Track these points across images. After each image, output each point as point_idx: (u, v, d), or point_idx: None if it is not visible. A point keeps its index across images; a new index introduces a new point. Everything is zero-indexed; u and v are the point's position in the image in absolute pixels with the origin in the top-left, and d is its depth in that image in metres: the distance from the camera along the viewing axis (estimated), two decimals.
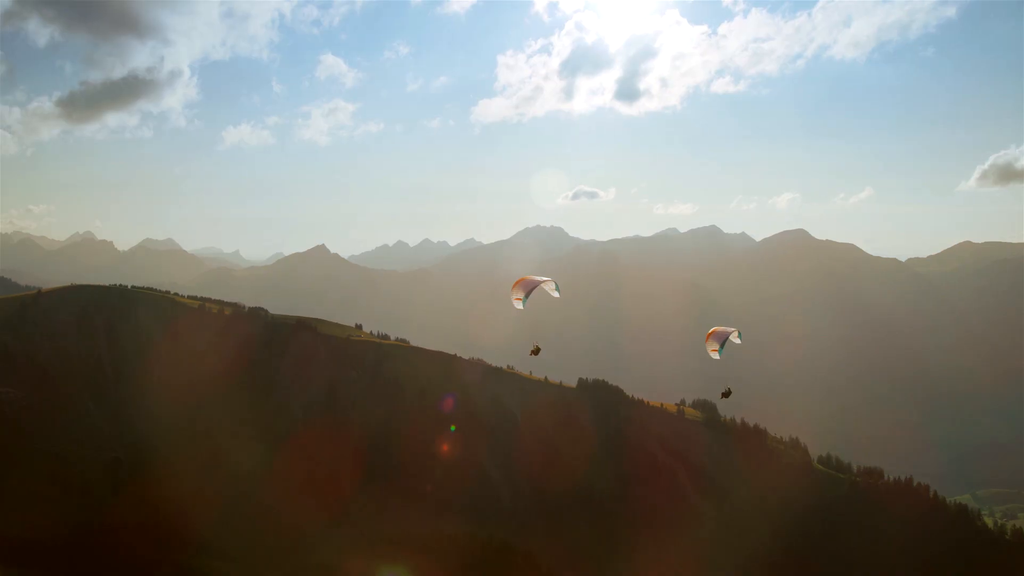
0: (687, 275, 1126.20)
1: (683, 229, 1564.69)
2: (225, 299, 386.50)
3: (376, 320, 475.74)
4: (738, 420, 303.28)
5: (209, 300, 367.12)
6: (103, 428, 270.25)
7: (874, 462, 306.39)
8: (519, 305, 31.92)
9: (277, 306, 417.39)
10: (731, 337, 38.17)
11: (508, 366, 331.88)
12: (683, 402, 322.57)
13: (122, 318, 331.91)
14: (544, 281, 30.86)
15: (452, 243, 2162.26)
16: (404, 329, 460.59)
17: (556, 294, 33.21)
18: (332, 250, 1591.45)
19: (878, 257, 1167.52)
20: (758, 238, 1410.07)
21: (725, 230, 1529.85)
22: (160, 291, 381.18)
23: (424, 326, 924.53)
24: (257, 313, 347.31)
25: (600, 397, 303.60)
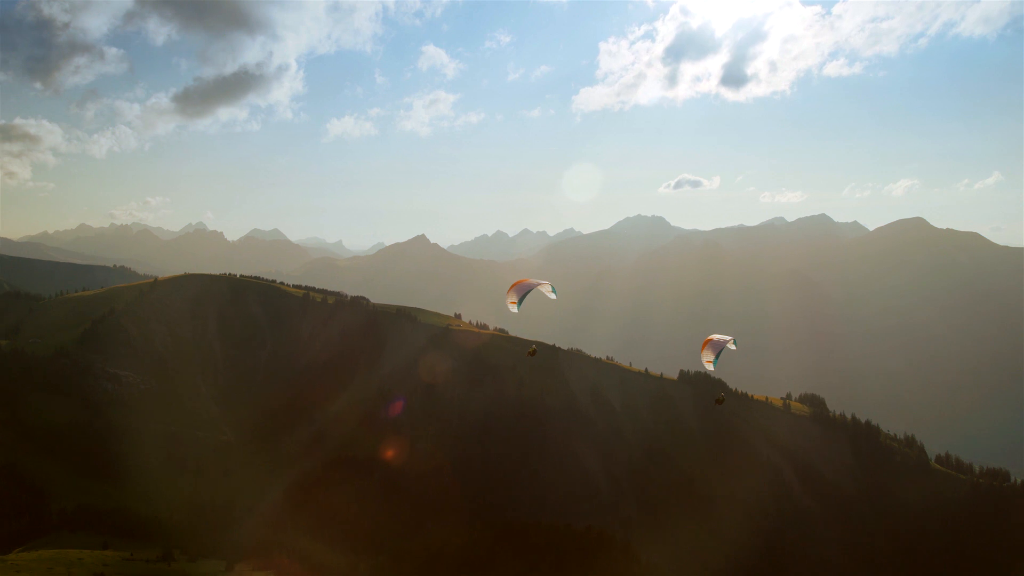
0: (794, 266, 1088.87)
1: (790, 218, 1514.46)
2: (328, 288, 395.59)
3: (475, 310, 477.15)
4: (848, 416, 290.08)
5: (313, 289, 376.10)
6: (214, 411, 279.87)
7: (998, 463, 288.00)
8: (513, 309, 30.00)
9: (378, 295, 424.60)
10: (728, 345, 35.87)
11: (607, 357, 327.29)
12: (789, 396, 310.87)
13: (231, 306, 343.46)
14: (540, 284, 29.05)
15: (551, 233, 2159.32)
16: (503, 319, 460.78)
17: (553, 296, 31.02)
18: (432, 240, 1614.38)
19: (1006, 247, 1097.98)
20: (871, 227, 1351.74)
21: (836, 219, 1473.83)
22: (266, 280, 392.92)
23: (523, 316, 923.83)
24: (359, 302, 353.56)
25: (702, 389, 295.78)
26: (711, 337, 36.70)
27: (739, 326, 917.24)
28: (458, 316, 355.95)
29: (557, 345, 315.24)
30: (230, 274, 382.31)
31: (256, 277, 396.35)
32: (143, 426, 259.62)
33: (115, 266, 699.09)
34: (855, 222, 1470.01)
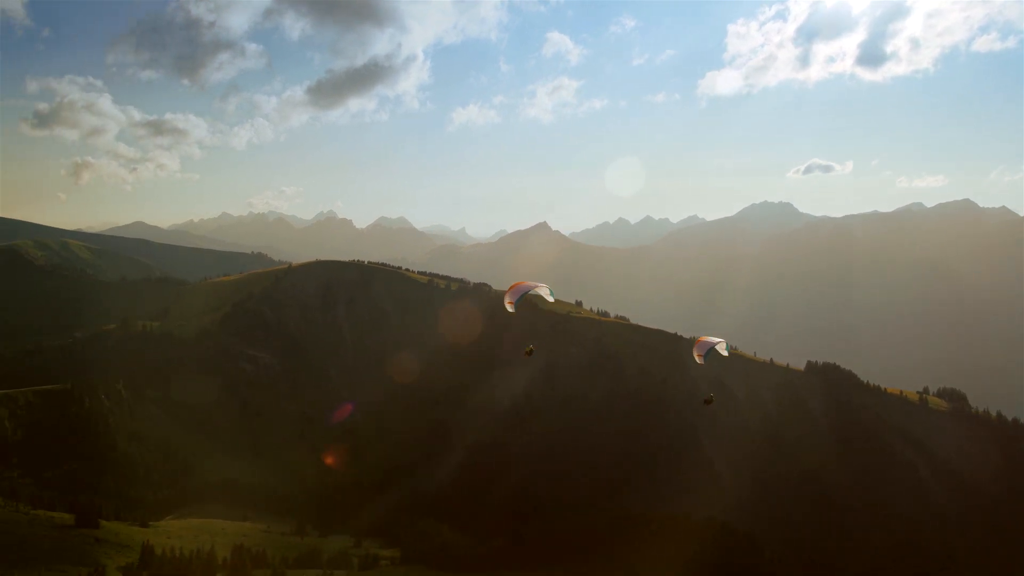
0: (933, 254, 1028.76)
1: (930, 203, 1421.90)
2: (452, 275, 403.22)
3: (596, 297, 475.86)
4: (993, 412, 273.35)
5: (437, 276, 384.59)
6: (343, 394, 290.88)
7: None
8: (510, 309, 30.38)
9: (500, 282, 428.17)
10: (716, 347, 35.33)
11: (732, 347, 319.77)
12: (926, 390, 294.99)
13: (360, 291, 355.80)
14: (538, 286, 29.31)
15: (674, 220, 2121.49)
16: (624, 307, 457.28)
17: (551, 299, 31.18)
18: (553, 228, 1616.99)
19: None
20: (1023, 212, 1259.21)
21: (981, 204, 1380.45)
22: (393, 267, 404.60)
23: (645, 304, 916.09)
24: (481, 289, 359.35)
25: (831, 381, 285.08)
26: (701, 338, 37.01)
27: (871, 316, 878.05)
28: (579, 303, 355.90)
29: (679, 334, 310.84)
30: (358, 260, 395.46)
31: (383, 263, 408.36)
32: (278, 406, 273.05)
33: (253, 253, 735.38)
34: (1003, 207, 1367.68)
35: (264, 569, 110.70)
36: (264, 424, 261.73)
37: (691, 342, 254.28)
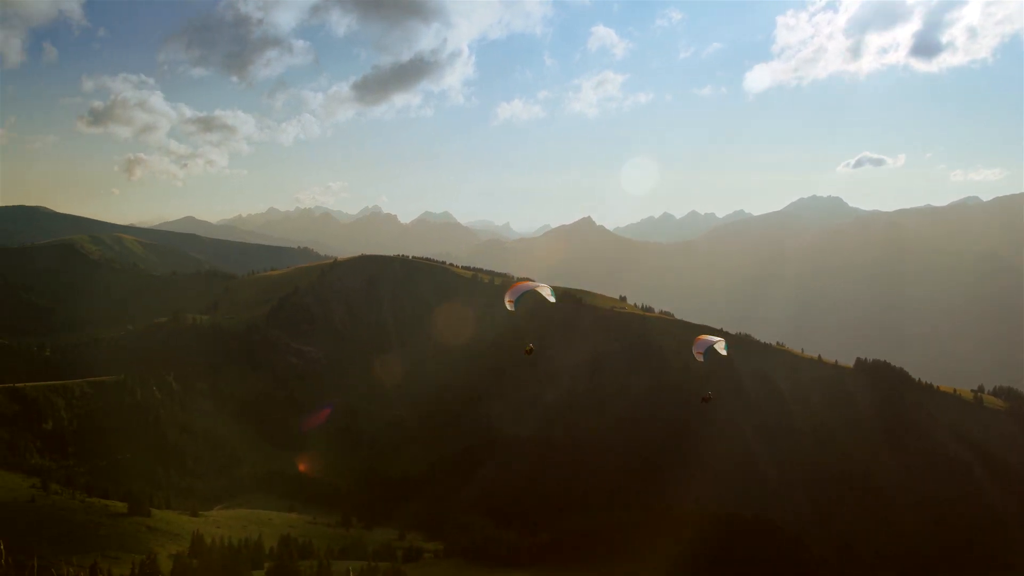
0: (990, 248, 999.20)
1: (986, 197, 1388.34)
2: (496, 270, 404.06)
3: (640, 292, 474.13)
4: None
5: (481, 271, 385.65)
6: (387, 387, 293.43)
7: None
8: (510, 307, 30.40)
9: (543, 277, 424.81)
10: (715, 346, 35.11)
11: (778, 343, 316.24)
12: (981, 388, 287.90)
13: (404, 286, 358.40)
14: (538, 286, 29.23)
15: (720, 215, 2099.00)
16: (669, 302, 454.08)
17: (552, 299, 31.00)
18: (598, 222, 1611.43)
19: None
20: None
21: None
22: (437, 261, 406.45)
23: (690, 299, 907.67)
24: None
25: (881, 379, 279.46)
26: (701, 336, 36.96)
27: (923, 313, 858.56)
28: (623, 298, 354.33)
29: (724, 329, 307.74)
30: (403, 255, 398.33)
31: (427, 258, 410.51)
32: (323, 399, 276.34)
33: (299, 247, 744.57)
34: None
35: (310, 560, 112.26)
36: (310, 416, 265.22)
37: (737, 338, 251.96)
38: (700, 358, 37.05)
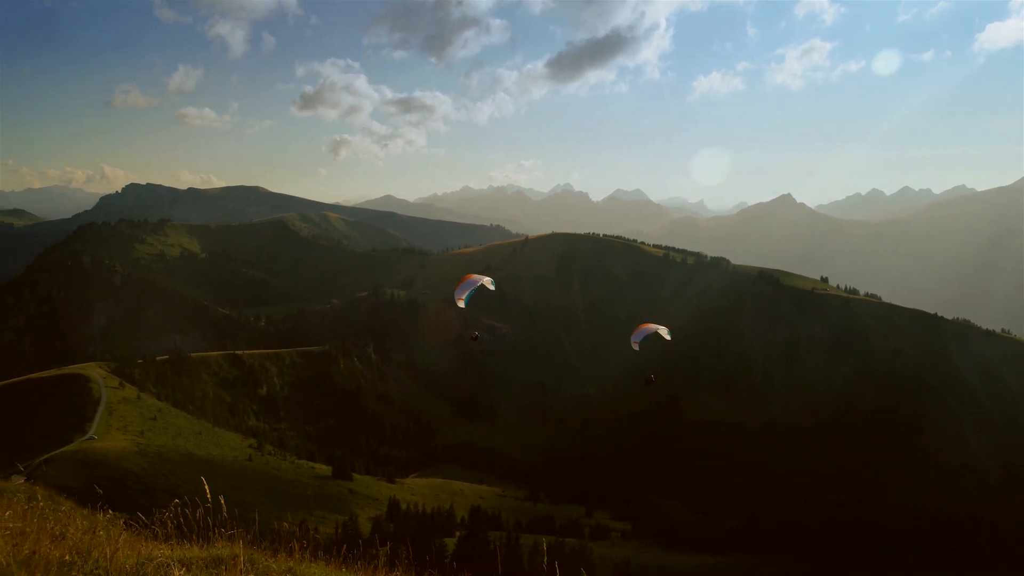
0: None
1: None
2: (688, 248, 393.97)
3: (844, 273, 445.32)
4: None
5: (673, 250, 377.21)
6: (575, 365, 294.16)
7: None
8: (461, 304, 27.49)
9: (739, 257, 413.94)
10: (659, 331, 30.04)
11: (1003, 330, 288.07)
12: None
13: (594, 264, 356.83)
14: (482, 279, 26.58)
15: (937, 191, 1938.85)
16: (875, 284, 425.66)
17: (492, 287, 27.76)
18: (798, 199, 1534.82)
19: None
20: None
21: None
22: (628, 240, 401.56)
23: (900, 282, 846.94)
24: (719, 263, 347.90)
25: None
26: (643, 325, 32.41)
27: None
28: (824, 280, 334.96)
29: (940, 315, 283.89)
30: (594, 233, 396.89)
31: (618, 237, 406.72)
32: (513, 375, 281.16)
33: (492, 225, 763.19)
34: None
35: (499, 531, 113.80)
36: (500, 391, 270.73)
37: (956, 324, 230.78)
38: (636, 347, 33.82)
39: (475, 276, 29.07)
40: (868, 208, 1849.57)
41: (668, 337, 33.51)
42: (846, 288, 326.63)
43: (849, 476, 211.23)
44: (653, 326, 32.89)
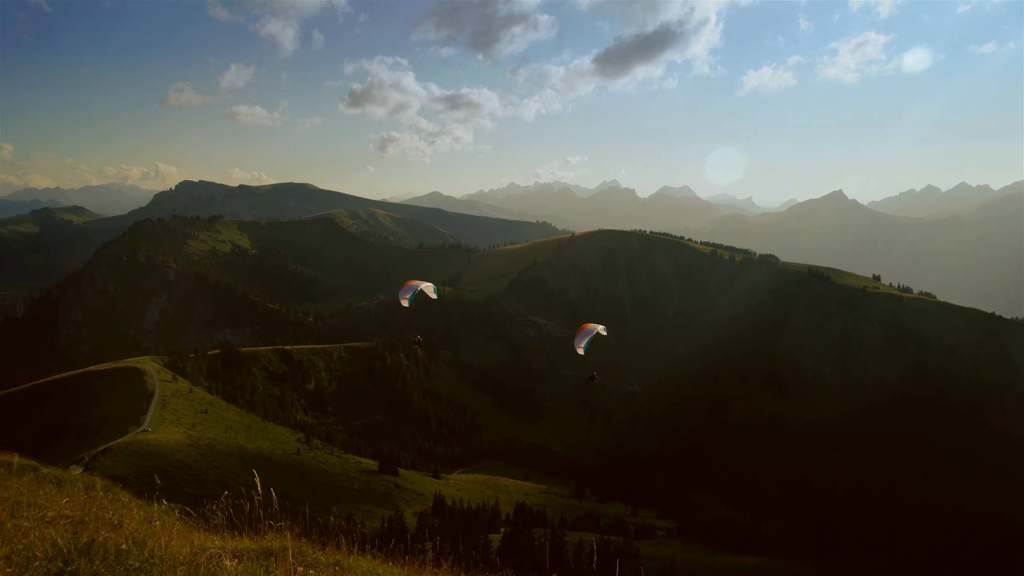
0: None
1: None
2: (736, 246, 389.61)
3: (897, 271, 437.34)
4: None
5: (720, 247, 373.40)
6: (622, 362, 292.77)
7: None
8: (405, 303, 27.84)
9: (788, 254, 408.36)
10: (600, 331, 29.28)
11: None
12: None
13: (641, 261, 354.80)
14: (423, 285, 27.13)
15: (995, 187, 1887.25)
16: (929, 282, 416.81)
17: (434, 296, 27.92)
18: (849, 196, 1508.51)
19: None
20: None
21: None
22: (675, 237, 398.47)
23: (956, 280, 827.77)
24: (767, 260, 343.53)
25: None
26: (585, 325, 31.53)
27: None
28: (876, 277, 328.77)
29: (997, 313, 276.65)
30: (640, 230, 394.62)
31: (665, 234, 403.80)
32: (559, 372, 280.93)
33: (538, 222, 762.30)
34: None
35: (543, 528, 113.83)
36: (546, 388, 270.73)
37: (1015, 323, 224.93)
38: (580, 351, 33.18)
39: (415, 281, 29.87)
40: (923, 205, 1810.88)
41: (604, 333, 33.28)
42: (899, 286, 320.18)
43: (900, 476, 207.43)
44: (594, 326, 32.73)
